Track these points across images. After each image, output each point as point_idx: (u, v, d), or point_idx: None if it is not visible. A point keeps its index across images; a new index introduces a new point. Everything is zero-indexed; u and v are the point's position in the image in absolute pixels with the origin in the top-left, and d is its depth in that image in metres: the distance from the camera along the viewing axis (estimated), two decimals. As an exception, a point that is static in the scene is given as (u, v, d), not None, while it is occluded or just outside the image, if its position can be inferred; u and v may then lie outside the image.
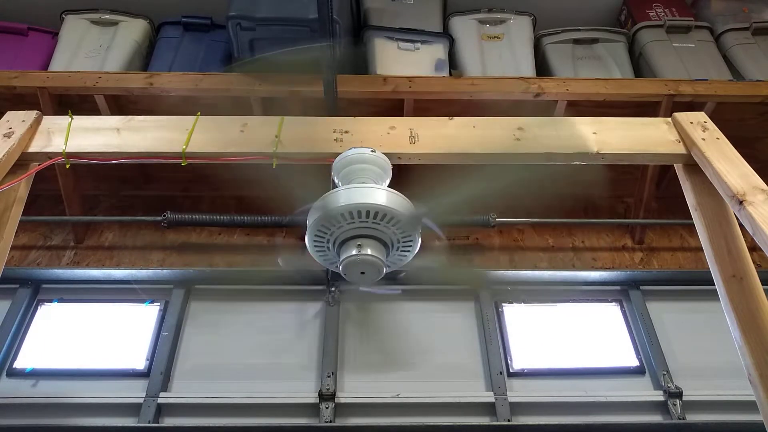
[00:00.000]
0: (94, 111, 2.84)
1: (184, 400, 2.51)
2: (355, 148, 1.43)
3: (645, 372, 2.68)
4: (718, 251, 1.36)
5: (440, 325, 2.81)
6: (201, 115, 1.53)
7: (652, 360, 2.67)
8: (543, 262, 3.11)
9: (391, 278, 1.34)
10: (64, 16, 3.23)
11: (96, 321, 2.76)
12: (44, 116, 1.54)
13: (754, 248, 1.40)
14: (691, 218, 1.45)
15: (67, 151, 1.45)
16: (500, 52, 3.20)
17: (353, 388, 2.57)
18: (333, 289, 2.82)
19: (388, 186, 1.40)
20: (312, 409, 2.49)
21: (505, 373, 2.62)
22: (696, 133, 1.46)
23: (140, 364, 2.61)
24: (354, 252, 1.25)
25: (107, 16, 3.22)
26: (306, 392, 2.54)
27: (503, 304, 2.87)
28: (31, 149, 1.46)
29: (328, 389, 2.50)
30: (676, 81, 2.95)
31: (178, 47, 3.13)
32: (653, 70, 3.18)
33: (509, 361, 2.67)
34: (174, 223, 2.98)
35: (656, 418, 2.53)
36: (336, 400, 2.49)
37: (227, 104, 2.88)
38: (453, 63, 3.17)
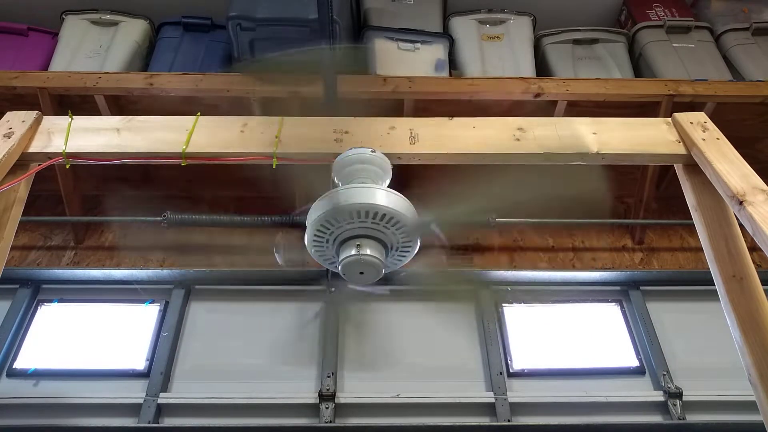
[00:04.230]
0: (94, 111, 2.84)
1: (184, 401, 2.51)
2: (355, 148, 1.43)
3: (645, 372, 2.68)
4: (718, 251, 1.36)
5: (440, 325, 2.81)
6: (201, 115, 1.53)
7: (652, 360, 2.67)
8: (543, 262, 3.11)
9: (387, 279, 1.34)
10: (64, 16, 3.23)
11: (96, 321, 2.76)
12: (44, 116, 1.54)
13: (754, 248, 1.40)
14: (691, 218, 1.45)
15: (67, 151, 1.45)
16: (500, 53, 3.20)
17: (353, 389, 2.57)
18: (333, 289, 2.82)
19: (388, 186, 1.40)
20: (312, 410, 2.49)
21: (505, 374, 2.62)
22: (696, 133, 1.46)
23: (140, 365, 2.61)
24: (353, 252, 1.25)
25: (107, 17, 3.22)
26: (306, 392, 2.54)
27: (503, 305, 2.87)
28: (31, 149, 1.46)
29: (328, 389, 2.50)
30: (676, 81, 2.95)
31: (178, 48, 3.13)
32: (653, 71, 3.19)
33: (509, 362, 2.67)
34: (174, 223, 2.97)
35: (656, 419, 2.53)
36: (336, 401, 2.49)
37: (227, 104, 2.88)
38: (453, 63, 3.17)
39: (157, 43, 3.20)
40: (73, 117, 1.52)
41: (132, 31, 3.20)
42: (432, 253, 1.42)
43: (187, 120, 1.52)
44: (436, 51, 3.09)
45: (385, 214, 1.26)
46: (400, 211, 1.27)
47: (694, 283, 2.95)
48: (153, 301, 2.83)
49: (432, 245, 1.38)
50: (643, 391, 2.61)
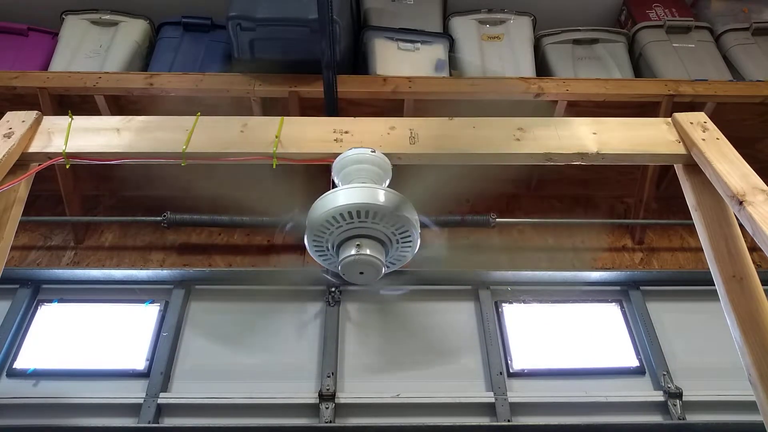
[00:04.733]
0: (94, 111, 2.84)
1: (184, 401, 2.51)
2: (355, 148, 1.43)
3: (645, 372, 2.68)
4: (718, 251, 1.36)
5: (440, 325, 2.81)
6: (201, 115, 1.53)
7: (652, 360, 2.67)
8: (543, 262, 3.11)
9: (397, 276, 1.33)
10: (64, 16, 3.23)
11: (96, 321, 2.76)
12: (44, 116, 1.54)
13: (754, 248, 1.40)
14: (691, 218, 1.45)
15: (67, 151, 1.45)
16: (500, 53, 3.20)
17: (353, 389, 2.57)
18: (333, 289, 2.82)
19: (388, 186, 1.40)
20: (312, 410, 2.49)
21: (505, 374, 2.62)
22: (696, 133, 1.46)
23: (140, 365, 2.61)
24: (353, 252, 1.25)
25: (107, 17, 3.22)
26: (306, 392, 2.54)
27: (503, 304, 2.87)
28: (31, 149, 1.46)
29: (328, 389, 2.50)
30: (676, 81, 2.96)
31: (178, 47, 3.13)
32: (653, 71, 3.18)
33: (509, 362, 2.67)
34: (174, 223, 2.98)
35: (656, 419, 2.53)
36: (336, 401, 2.49)
37: (227, 104, 2.88)
38: (453, 63, 3.17)
39: (157, 43, 3.20)
40: (73, 117, 1.52)
41: (132, 31, 3.20)
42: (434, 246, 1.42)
43: (187, 120, 1.52)
44: (436, 51, 3.09)
45: (370, 211, 1.26)
46: (386, 206, 1.27)
47: (694, 283, 2.95)
48: (153, 301, 2.83)
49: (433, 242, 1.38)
50: (643, 391, 2.61)
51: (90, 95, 2.82)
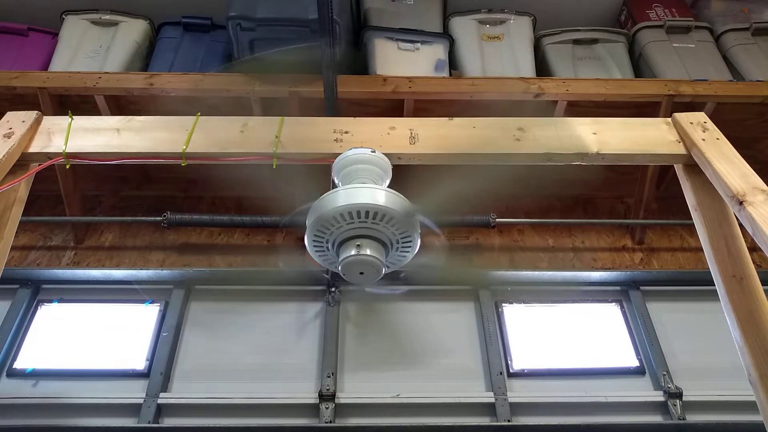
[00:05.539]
0: (94, 111, 2.84)
1: (184, 401, 2.51)
2: (355, 148, 1.43)
3: (645, 372, 2.68)
4: (718, 251, 1.36)
5: (440, 325, 2.81)
6: (201, 115, 1.53)
7: (652, 360, 2.67)
8: (543, 262, 3.11)
9: (394, 277, 1.33)
10: (64, 16, 3.23)
11: (96, 321, 2.76)
12: (44, 117, 1.54)
13: (754, 248, 1.40)
14: (691, 218, 1.45)
15: (67, 151, 1.45)
16: (500, 53, 3.20)
17: (353, 389, 2.57)
18: (333, 289, 2.82)
19: (388, 186, 1.40)
20: (312, 410, 2.49)
21: (505, 374, 2.62)
22: (696, 133, 1.46)
23: (140, 365, 2.61)
24: (353, 252, 1.25)
25: (107, 17, 3.22)
26: (306, 393, 2.54)
27: (503, 304, 2.87)
28: (31, 149, 1.46)
29: (328, 389, 2.50)
30: (676, 81, 2.96)
31: (178, 48, 3.13)
32: (653, 71, 3.19)
33: (509, 362, 2.67)
34: (174, 224, 2.98)
35: (656, 419, 2.53)
36: (336, 401, 2.49)
37: (227, 104, 2.88)
38: (453, 63, 3.17)
39: (157, 43, 3.20)
40: (73, 117, 1.52)
41: (132, 31, 3.20)
42: (432, 249, 1.42)
43: (187, 120, 1.52)
44: (436, 51, 3.09)
45: (385, 214, 1.26)
46: (400, 211, 1.27)
47: (694, 283, 2.95)
48: (153, 301, 2.83)
49: (432, 242, 1.38)
50: (643, 391, 2.61)
51: (90, 95, 2.82)
